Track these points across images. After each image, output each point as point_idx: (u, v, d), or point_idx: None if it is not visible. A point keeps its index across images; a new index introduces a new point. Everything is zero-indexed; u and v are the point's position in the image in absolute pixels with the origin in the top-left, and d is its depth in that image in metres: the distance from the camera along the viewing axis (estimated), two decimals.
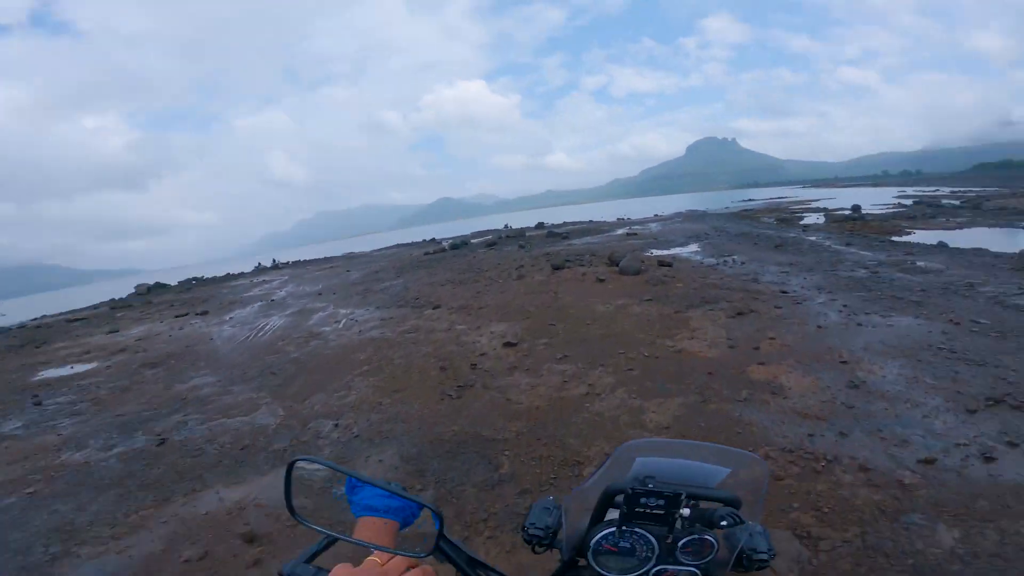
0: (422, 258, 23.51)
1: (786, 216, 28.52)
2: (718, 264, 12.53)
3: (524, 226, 44.43)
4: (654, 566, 0.89)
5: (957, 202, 27.61)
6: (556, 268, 12.78)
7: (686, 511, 0.88)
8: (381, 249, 41.24)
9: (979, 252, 11.12)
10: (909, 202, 31.65)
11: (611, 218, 52.42)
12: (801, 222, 23.53)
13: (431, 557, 0.78)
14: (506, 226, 52.05)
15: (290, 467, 0.79)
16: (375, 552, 0.72)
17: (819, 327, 6.36)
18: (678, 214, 46.29)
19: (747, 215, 32.90)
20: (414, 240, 47.27)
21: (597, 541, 0.89)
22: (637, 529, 0.88)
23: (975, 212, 20.60)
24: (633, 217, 47.61)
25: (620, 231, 26.09)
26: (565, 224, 42.85)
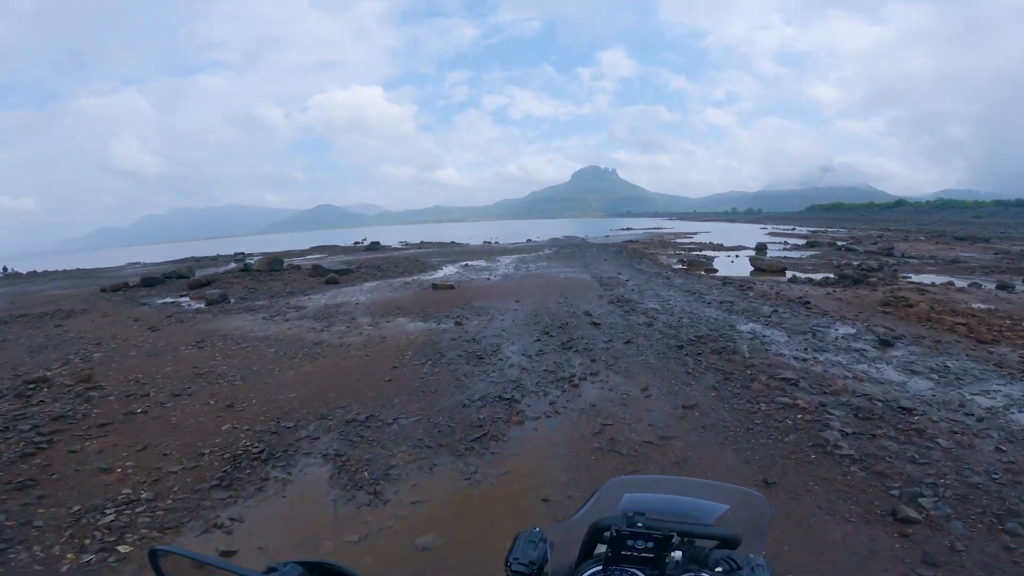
0: None
1: (687, 256, 22.75)
2: None
3: (353, 243, 39.28)
4: None
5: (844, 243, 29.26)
6: None
7: (678, 553, 0.83)
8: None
9: None
10: (801, 242, 32.21)
11: (479, 240, 46.38)
12: (720, 273, 16.82)
13: None
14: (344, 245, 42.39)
15: (152, 556, 0.76)
16: None
17: None
18: (554, 241, 40.81)
19: (637, 250, 27.05)
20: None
21: None
22: (629, 568, 0.82)
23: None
24: (503, 242, 41.70)
25: (439, 274, 17.30)
26: (406, 247, 36.61)
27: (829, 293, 11.12)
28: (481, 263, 20.22)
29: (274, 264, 18.73)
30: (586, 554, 0.87)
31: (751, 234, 48.96)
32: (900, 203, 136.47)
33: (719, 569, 0.82)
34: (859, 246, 25.80)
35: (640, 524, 0.81)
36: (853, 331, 7.73)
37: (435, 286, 12.89)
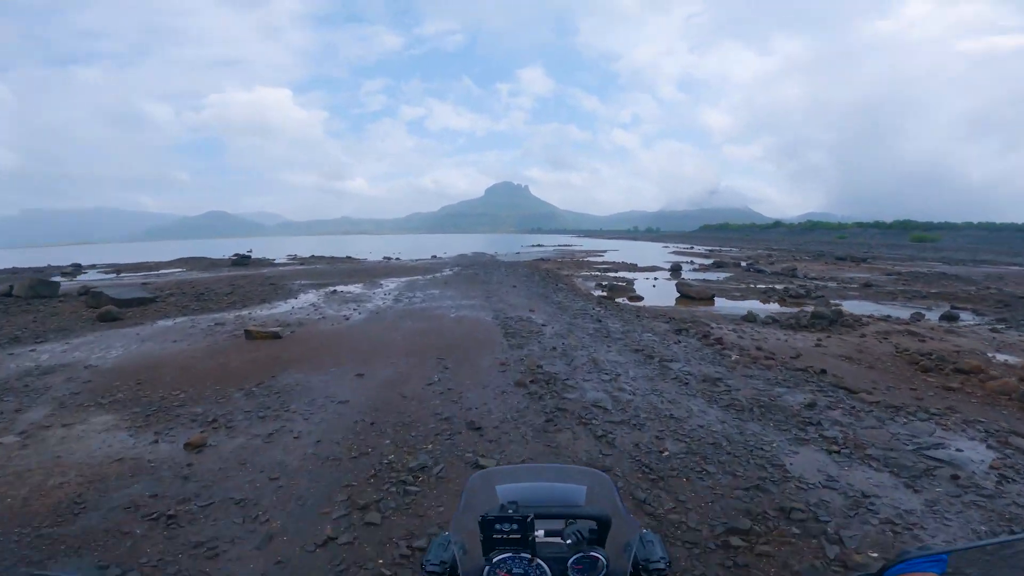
0: None
1: (604, 278, 20.02)
2: None
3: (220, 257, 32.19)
4: None
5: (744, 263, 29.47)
6: None
7: (540, 532, 0.97)
8: None
9: None
10: (707, 261, 32.12)
11: (380, 255, 41.60)
12: (647, 302, 14.17)
13: None
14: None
15: None
16: None
17: None
18: (461, 258, 36.77)
19: (551, 271, 23.66)
20: None
21: (490, 570, 0.92)
22: (513, 553, 0.92)
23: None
24: (405, 258, 37.34)
25: (286, 306, 12.50)
26: (291, 261, 31.09)
27: (821, 346, 7.96)
28: (356, 288, 15.71)
29: (40, 288, 12.92)
30: (487, 548, 0.94)
31: (656, 252, 49.01)
32: (777, 224, 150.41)
33: (569, 541, 0.94)
34: (765, 267, 25.25)
35: (511, 511, 0.91)
36: (992, 456, 4.06)
37: (251, 333, 8.40)
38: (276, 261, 34.35)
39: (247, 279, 18.69)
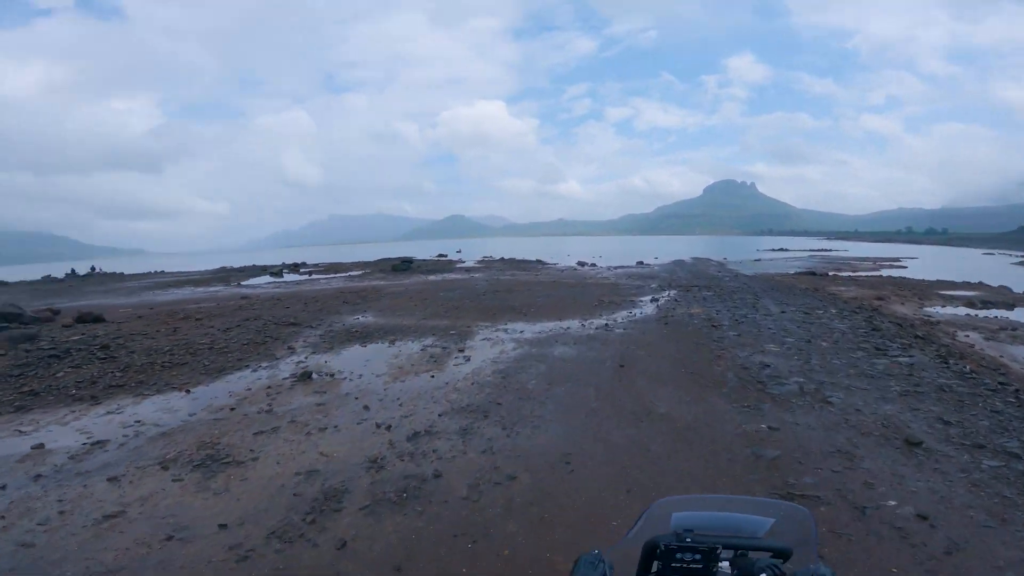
0: None
1: (978, 321, 8.73)
2: None
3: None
4: None
5: None
6: None
7: (725, 564, 0.89)
8: None
9: None
10: None
11: (577, 259, 35.76)
12: None
13: None
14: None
15: None
16: None
17: None
18: (676, 266, 28.14)
19: (863, 304, 11.95)
20: None
21: None
22: None
23: None
24: (602, 264, 30.40)
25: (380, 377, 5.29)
26: (467, 266, 28.12)
27: None
28: (502, 332, 9.66)
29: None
30: (643, 572, 0.91)
31: (982, 263, 31.78)
32: None
33: (763, 575, 0.88)
34: None
35: (688, 540, 0.86)
36: None
37: None
38: (460, 262, 32.29)
39: (301, 299, 15.55)
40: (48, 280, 29.71)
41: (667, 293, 14.38)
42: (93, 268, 36.19)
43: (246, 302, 15.05)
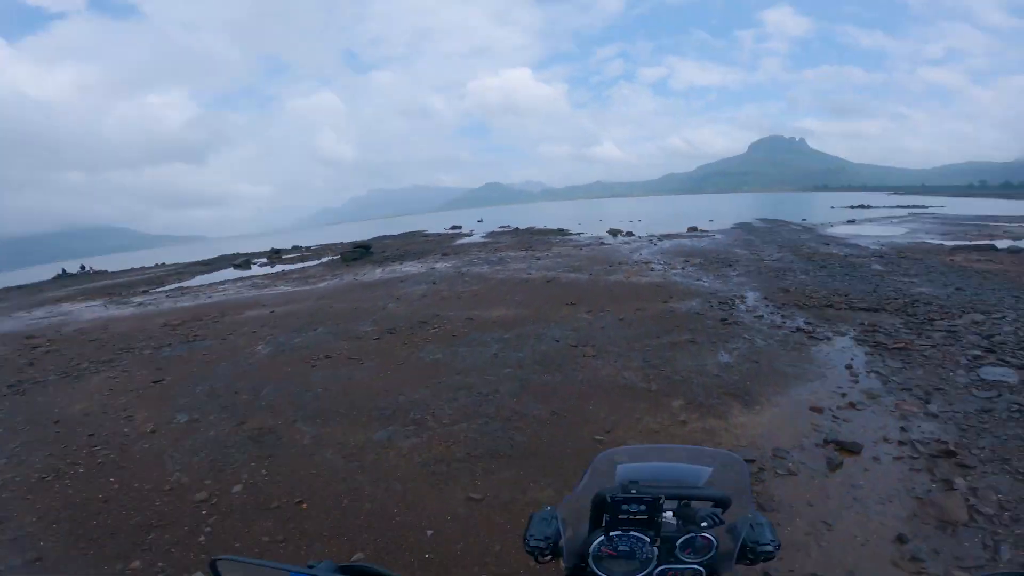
0: None
1: None
2: None
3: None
4: (656, 567, 0.92)
5: None
6: None
7: (668, 514, 0.94)
8: None
9: None
10: None
11: (615, 222, 30.15)
12: None
13: None
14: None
15: (213, 566, 0.74)
16: None
17: None
18: (744, 228, 22.39)
19: None
20: None
21: (596, 547, 0.92)
22: (633, 533, 0.91)
23: None
24: (642, 232, 24.45)
25: None
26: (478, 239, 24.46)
27: None
28: None
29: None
30: (595, 525, 0.94)
31: None
32: None
33: (704, 524, 0.93)
34: None
35: (634, 491, 0.89)
36: None
37: None
38: (458, 242, 26.62)
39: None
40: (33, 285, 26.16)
41: (791, 316, 7.58)
42: (83, 267, 33.01)
43: None
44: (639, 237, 22.75)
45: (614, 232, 25.58)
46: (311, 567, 0.77)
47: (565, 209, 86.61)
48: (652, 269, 12.77)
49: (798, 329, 6.93)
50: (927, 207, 41.71)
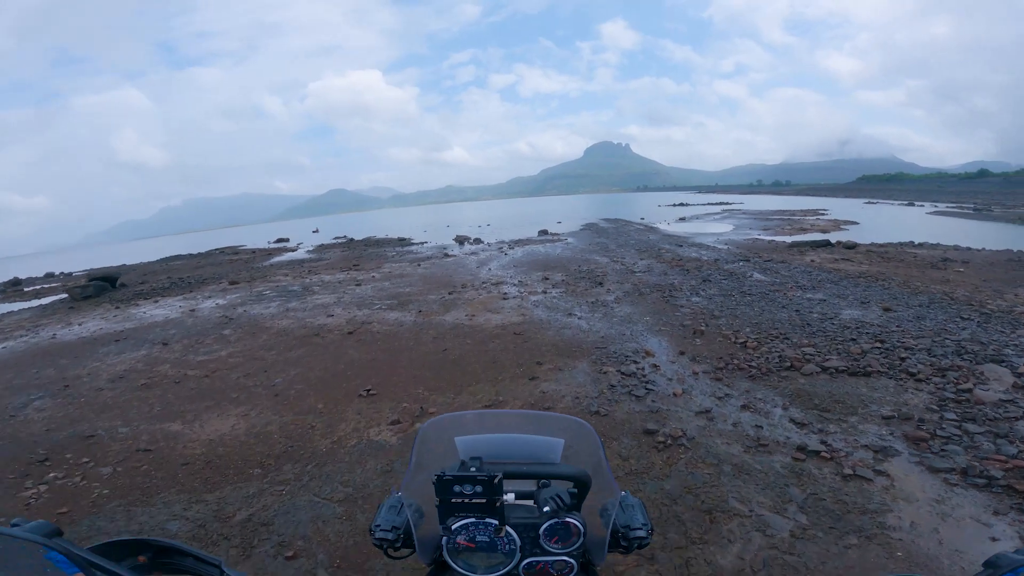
0: None
1: None
2: None
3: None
4: (521, 560, 0.78)
5: None
6: None
7: (510, 496, 0.79)
8: None
9: None
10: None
11: (465, 228, 27.72)
12: None
13: None
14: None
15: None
16: None
17: None
18: (593, 230, 21.22)
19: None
20: None
21: (449, 539, 0.78)
22: (471, 519, 0.77)
23: None
24: (491, 238, 22.04)
25: None
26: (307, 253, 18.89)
27: None
28: None
29: None
30: (441, 506, 0.81)
31: (861, 211, 29.47)
32: (976, 175, 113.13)
33: (547, 509, 0.79)
34: None
35: (474, 469, 0.76)
36: None
37: None
38: (268, 262, 21.50)
39: None
40: None
41: (757, 404, 4.25)
42: None
43: None
44: (488, 245, 20.15)
45: (461, 240, 22.70)
46: (14, 525, 0.60)
47: (413, 215, 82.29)
48: (505, 296, 9.82)
49: (803, 451, 3.55)
50: (731, 203, 47.07)
